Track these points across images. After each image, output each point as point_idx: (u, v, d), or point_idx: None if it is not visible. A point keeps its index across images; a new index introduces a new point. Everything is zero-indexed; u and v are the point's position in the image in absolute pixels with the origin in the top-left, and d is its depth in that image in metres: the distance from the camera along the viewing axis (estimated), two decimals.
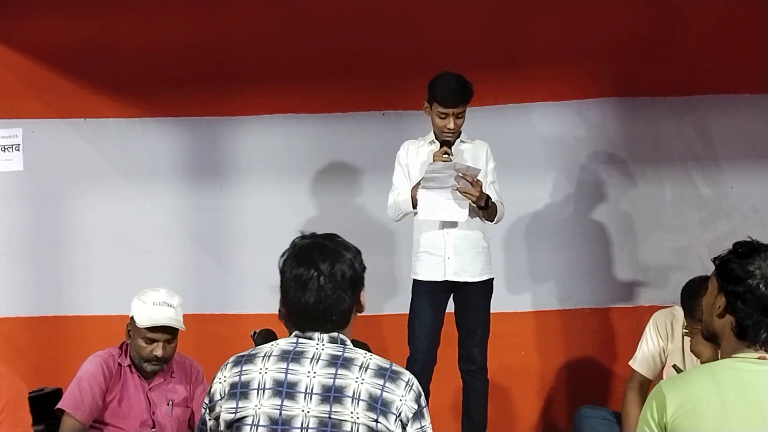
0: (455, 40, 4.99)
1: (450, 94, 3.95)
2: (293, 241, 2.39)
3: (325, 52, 5.05)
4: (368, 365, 2.26)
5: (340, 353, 2.28)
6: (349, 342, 2.33)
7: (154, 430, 3.50)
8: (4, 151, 5.16)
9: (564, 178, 5.05)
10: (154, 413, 3.50)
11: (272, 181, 5.11)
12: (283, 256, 2.38)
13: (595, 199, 5.03)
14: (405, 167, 4.15)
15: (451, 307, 4.16)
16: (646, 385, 3.72)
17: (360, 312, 2.41)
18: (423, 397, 2.29)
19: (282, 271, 2.36)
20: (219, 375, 2.35)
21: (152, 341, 3.43)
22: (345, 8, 5.02)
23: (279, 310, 2.40)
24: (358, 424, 2.20)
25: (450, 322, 4.15)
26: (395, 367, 2.29)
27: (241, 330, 4.48)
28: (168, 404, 3.52)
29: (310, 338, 2.31)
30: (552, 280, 5.01)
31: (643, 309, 4.83)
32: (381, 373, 2.25)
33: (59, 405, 3.40)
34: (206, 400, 2.36)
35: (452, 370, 4.15)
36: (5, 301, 5.09)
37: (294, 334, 2.34)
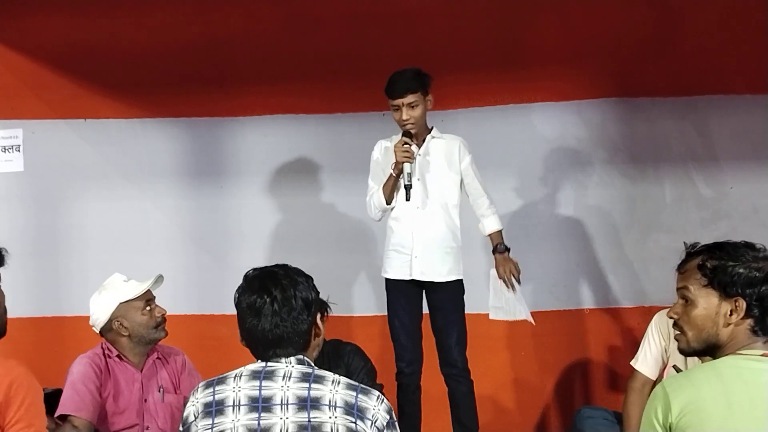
0: (455, 40, 4.99)
1: (392, 86, 3.99)
2: (245, 274, 2.49)
3: (325, 52, 5.05)
4: (339, 381, 2.37)
5: (311, 371, 2.38)
6: (314, 365, 2.42)
7: (145, 420, 3.49)
8: (5, 151, 5.16)
9: (564, 179, 5.05)
10: (145, 400, 3.49)
11: (272, 181, 5.12)
12: (238, 290, 2.47)
13: (595, 199, 5.03)
14: (379, 165, 4.15)
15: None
16: (648, 386, 3.71)
17: (319, 336, 2.52)
18: (393, 413, 2.38)
19: (237, 303, 2.46)
20: (191, 399, 2.41)
21: (148, 305, 3.52)
22: (345, 8, 5.02)
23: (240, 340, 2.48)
24: (338, 425, 2.29)
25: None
26: (364, 386, 2.40)
27: None
28: (159, 391, 3.53)
29: (278, 362, 2.39)
30: (552, 281, 5.00)
31: (643, 309, 4.83)
32: (353, 387, 2.37)
33: (60, 412, 3.35)
34: (180, 427, 2.42)
35: None
36: (6, 301, 5.08)
37: (260, 360, 2.43)
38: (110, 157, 5.18)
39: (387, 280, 4.13)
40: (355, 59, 5.04)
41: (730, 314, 2.26)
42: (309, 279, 2.50)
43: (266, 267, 2.50)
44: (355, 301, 5.01)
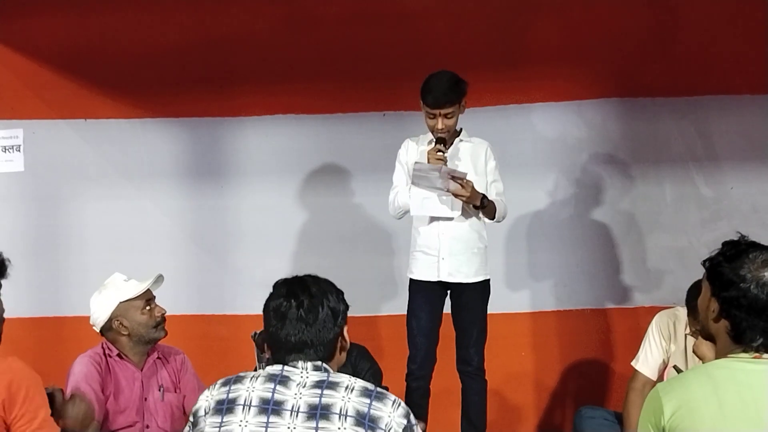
0: (455, 40, 4.99)
1: (434, 96, 3.93)
2: (276, 282, 2.46)
3: (326, 53, 5.05)
4: (354, 387, 2.30)
5: (325, 378, 2.32)
6: (332, 370, 2.37)
7: (145, 419, 3.49)
8: (5, 151, 5.16)
9: (564, 179, 5.05)
10: (145, 399, 3.50)
11: (272, 181, 5.12)
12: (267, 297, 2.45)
13: (595, 199, 5.03)
14: (405, 165, 4.14)
15: (448, 307, 4.16)
16: (648, 386, 3.71)
17: (345, 349, 2.46)
18: (412, 416, 2.31)
19: (264, 308, 2.43)
20: (206, 393, 2.39)
21: (148, 304, 3.52)
22: (345, 8, 5.02)
23: (261, 344, 2.45)
24: None
25: (450, 322, 4.15)
26: (380, 390, 2.33)
27: (241, 331, 4.48)
28: (159, 390, 3.53)
29: (294, 366, 2.34)
30: (552, 281, 5.01)
31: (643, 310, 4.83)
32: (367, 393, 2.29)
33: None
34: (191, 418, 2.40)
35: (454, 370, 4.14)
36: (6, 301, 5.08)
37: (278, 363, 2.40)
38: (110, 157, 5.17)
39: (411, 280, 4.13)
40: (355, 59, 5.04)
41: (713, 311, 2.28)
42: (340, 293, 2.46)
43: (298, 276, 2.46)
44: (355, 302, 5.00)
